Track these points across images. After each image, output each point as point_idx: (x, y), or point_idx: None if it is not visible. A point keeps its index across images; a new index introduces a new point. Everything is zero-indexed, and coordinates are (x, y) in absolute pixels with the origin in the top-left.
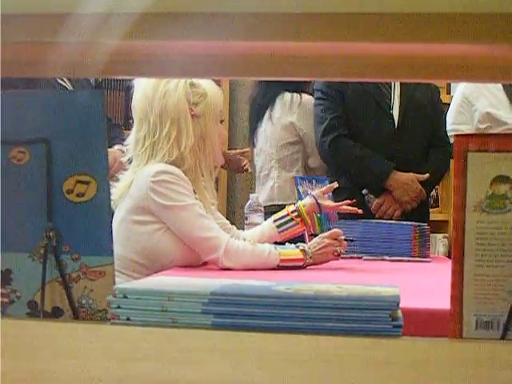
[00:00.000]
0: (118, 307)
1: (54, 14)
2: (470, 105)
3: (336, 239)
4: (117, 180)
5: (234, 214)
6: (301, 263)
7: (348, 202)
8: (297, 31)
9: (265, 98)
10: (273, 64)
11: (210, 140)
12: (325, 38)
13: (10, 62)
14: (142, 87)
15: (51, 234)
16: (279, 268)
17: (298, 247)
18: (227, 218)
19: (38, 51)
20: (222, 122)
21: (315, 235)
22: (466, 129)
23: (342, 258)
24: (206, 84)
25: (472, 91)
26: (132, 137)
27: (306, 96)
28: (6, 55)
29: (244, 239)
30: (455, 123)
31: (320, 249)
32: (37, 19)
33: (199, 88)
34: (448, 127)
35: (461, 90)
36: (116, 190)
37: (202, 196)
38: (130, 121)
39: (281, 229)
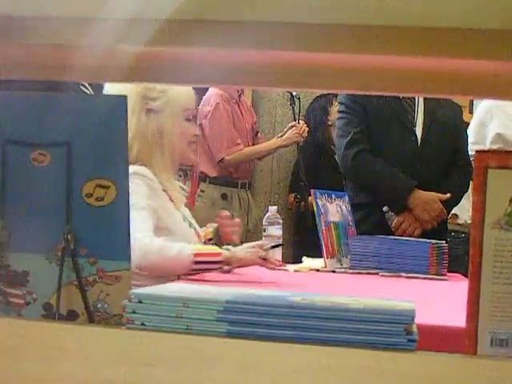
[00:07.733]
0: (133, 312)
1: (78, 18)
2: (484, 125)
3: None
4: None
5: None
6: (218, 258)
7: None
8: (322, 42)
9: None
10: (297, 75)
11: (169, 136)
12: (349, 50)
13: (34, 65)
14: None
15: (69, 236)
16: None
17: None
18: (246, 231)
19: (62, 55)
20: (189, 120)
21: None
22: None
23: (359, 273)
24: None
25: (487, 111)
26: None
27: None
28: (30, 58)
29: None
30: (472, 142)
31: (247, 247)
32: (61, 23)
33: None
34: (469, 146)
35: (478, 110)
36: None
37: (172, 193)
38: None
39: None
